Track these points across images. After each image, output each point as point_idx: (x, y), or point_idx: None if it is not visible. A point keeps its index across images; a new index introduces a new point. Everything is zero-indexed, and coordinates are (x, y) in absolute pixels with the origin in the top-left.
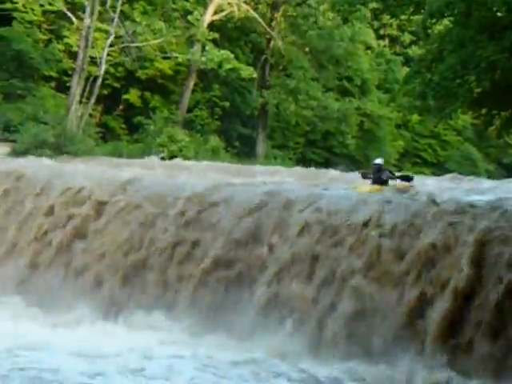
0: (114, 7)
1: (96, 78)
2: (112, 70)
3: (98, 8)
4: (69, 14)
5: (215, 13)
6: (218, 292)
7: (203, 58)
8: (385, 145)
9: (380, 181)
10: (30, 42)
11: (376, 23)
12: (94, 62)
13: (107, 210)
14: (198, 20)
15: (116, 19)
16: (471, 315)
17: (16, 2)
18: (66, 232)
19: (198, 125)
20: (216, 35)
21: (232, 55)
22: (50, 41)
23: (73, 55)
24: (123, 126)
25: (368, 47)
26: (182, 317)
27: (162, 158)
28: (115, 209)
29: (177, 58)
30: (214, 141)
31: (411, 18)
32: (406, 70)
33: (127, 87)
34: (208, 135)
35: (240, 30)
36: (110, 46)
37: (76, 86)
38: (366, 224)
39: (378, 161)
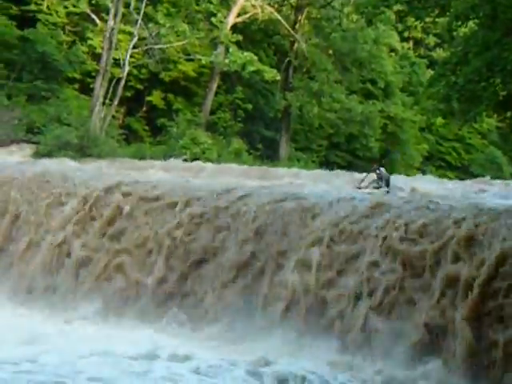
0: (137, 9)
1: (119, 79)
2: (135, 71)
3: (121, 10)
4: (93, 15)
5: (239, 15)
6: None
7: (226, 60)
8: (408, 148)
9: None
10: (53, 43)
11: (400, 25)
12: (117, 63)
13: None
14: (221, 22)
15: (140, 21)
16: None
17: (40, 4)
18: None
19: (220, 127)
20: (239, 37)
21: (255, 57)
22: (73, 42)
23: (96, 57)
24: (146, 127)
25: (392, 50)
26: None
27: (185, 160)
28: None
29: (200, 60)
30: (237, 143)
31: (436, 20)
32: (430, 72)
33: (150, 89)
34: (231, 137)
35: (263, 32)
36: (134, 47)
37: (99, 87)
38: None
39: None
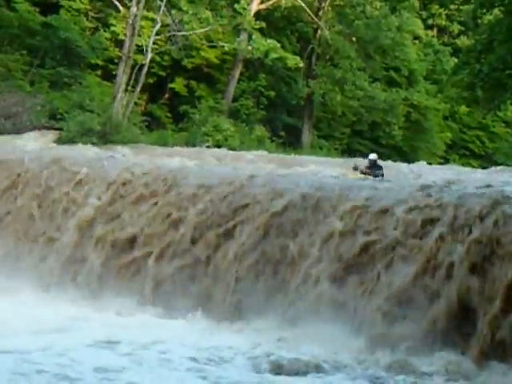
0: None
1: (142, 66)
2: (158, 58)
3: None
4: (115, 2)
5: (262, 2)
6: None
7: (249, 47)
8: (432, 136)
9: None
10: (76, 30)
11: (424, 13)
12: (140, 50)
13: None
14: (244, 9)
15: (163, 8)
16: None
17: None
18: None
19: (243, 114)
20: (263, 24)
21: (278, 44)
22: (96, 29)
23: (119, 43)
24: (168, 114)
25: (416, 37)
26: None
27: (208, 147)
28: None
29: (223, 47)
30: (260, 130)
31: (460, 7)
32: (454, 60)
33: (173, 76)
34: (253, 125)
35: (287, 20)
36: (157, 34)
37: (122, 74)
38: None
39: (372, 156)
